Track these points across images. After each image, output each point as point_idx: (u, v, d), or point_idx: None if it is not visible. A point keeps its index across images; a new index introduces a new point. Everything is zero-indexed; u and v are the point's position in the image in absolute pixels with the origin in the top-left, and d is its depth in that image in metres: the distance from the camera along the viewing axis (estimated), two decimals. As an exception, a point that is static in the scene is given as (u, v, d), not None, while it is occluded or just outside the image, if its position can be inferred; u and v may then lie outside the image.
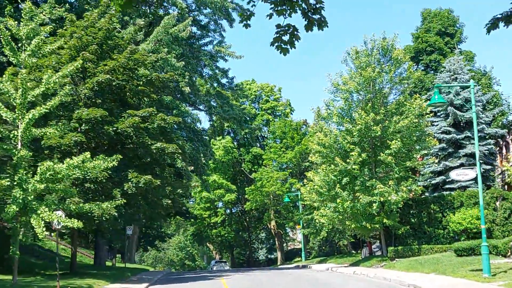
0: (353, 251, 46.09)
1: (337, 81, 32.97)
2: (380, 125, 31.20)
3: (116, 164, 20.90)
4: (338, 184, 31.12)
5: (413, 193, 32.35)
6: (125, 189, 25.03)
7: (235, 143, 69.29)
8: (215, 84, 38.97)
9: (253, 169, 64.67)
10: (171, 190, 26.57)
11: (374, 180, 30.71)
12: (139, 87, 26.72)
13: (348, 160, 30.94)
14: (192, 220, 66.66)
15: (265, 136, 68.66)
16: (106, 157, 20.90)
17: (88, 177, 23.23)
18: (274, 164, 59.95)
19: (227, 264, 69.96)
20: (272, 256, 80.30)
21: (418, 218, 32.82)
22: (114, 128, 25.35)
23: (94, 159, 20.46)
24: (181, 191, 26.78)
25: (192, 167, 31.76)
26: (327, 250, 55.10)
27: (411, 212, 33.00)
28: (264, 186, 56.19)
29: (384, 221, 30.50)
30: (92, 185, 24.91)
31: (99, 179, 23.95)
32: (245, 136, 63.14)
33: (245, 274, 31.65)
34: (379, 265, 30.73)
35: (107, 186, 24.68)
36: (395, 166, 30.89)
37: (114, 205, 21.79)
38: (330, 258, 44.13)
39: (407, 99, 32.19)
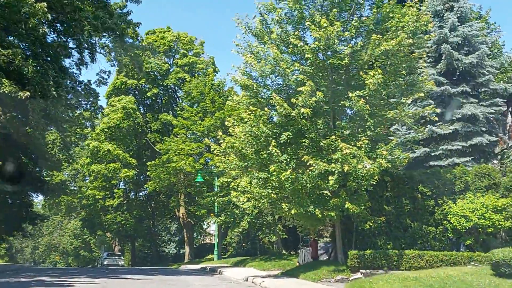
0: (285, 252, 33.25)
1: (282, -24, 20.10)
2: (350, 45, 18.65)
3: None
4: (273, 141, 18.22)
5: (387, 163, 19.15)
6: None
7: (141, 108, 54.91)
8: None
9: (162, 141, 50.67)
10: None
11: (333, 137, 18.10)
12: None
13: (293, 101, 18.12)
14: (49, 196, 51.10)
15: (179, 97, 54.37)
16: None
17: None
18: (188, 135, 46.26)
19: (122, 258, 55.92)
20: (183, 251, 66.48)
21: (396, 205, 20.43)
22: None
23: None
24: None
25: (28, 93, 17.97)
26: (247, 248, 42.33)
27: (386, 195, 20.55)
28: (171, 160, 42.57)
29: (345, 205, 17.79)
30: None
31: None
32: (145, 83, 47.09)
33: (99, 284, 18.04)
34: (333, 278, 18.30)
35: None
36: (369, 117, 18.34)
37: None
38: (252, 260, 31.29)
39: (394, 9, 19.62)
